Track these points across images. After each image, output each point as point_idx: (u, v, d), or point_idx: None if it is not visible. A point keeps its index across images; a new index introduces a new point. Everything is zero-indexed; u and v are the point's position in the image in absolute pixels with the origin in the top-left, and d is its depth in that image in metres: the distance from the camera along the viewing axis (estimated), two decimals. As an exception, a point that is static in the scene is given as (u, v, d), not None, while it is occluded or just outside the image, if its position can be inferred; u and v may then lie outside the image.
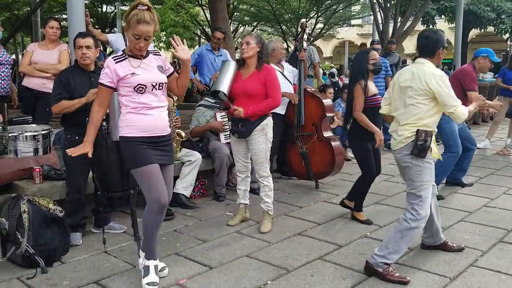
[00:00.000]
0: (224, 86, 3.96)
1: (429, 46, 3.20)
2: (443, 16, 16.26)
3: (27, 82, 4.93)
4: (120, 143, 2.99)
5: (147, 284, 2.94)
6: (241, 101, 4.01)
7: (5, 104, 3.35)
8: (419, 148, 3.09)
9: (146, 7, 2.80)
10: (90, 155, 2.98)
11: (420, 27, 17.75)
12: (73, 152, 2.94)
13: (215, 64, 6.18)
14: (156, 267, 3.04)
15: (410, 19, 13.15)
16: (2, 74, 4.71)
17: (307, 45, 8.09)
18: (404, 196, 5.11)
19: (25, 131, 3.20)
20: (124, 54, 2.94)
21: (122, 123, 2.96)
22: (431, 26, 16.34)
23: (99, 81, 2.92)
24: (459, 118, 3.15)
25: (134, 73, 2.86)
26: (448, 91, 3.07)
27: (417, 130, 3.10)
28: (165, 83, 3.01)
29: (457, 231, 4.10)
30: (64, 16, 18.09)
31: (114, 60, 2.89)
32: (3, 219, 3.22)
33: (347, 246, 3.73)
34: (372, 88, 4.18)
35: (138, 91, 2.88)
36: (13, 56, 4.71)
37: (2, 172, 3.76)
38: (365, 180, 4.32)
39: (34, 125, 3.49)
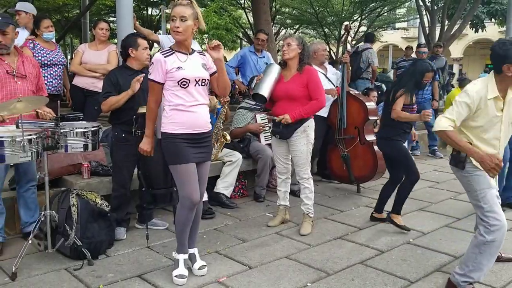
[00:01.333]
0: (265, 90, 3.99)
1: (494, 60, 2.86)
2: (493, 20, 15.66)
3: (77, 81, 5.12)
4: (162, 139, 3.05)
5: (175, 276, 3.06)
6: (283, 104, 4.01)
7: (58, 101, 3.47)
8: (455, 159, 2.95)
9: (189, 0, 2.94)
10: (150, 150, 3.13)
11: (468, 30, 17.23)
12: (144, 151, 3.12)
13: (258, 66, 6.21)
14: (185, 261, 3.14)
15: (458, 22, 12.77)
16: (54, 73, 4.89)
17: (363, 48, 8.03)
18: (448, 203, 5.02)
19: (76, 128, 3.31)
20: (172, 50, 3.02)
21: (165, 120, 3.01)
22: (480, 30, 15.80)
23: (151, 77, 2.98)
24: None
25: (180, 67, 2.95)
26: (454, 105, 2.83)
27: None
28: (208, 80, 3.08)
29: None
30: (112, 18, 18.67)
31: (163, 54, 2.98)
32: (54, 211, 3.35)
33: (389, 252, 3.66)
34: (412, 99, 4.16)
35: (181, 85, 2.95)
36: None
37: (53, 167, 3.92)
38: (409, 181, 4.17)
39: (84, 122, 3.61)
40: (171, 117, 3.00)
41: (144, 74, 3.71)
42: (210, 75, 3.12)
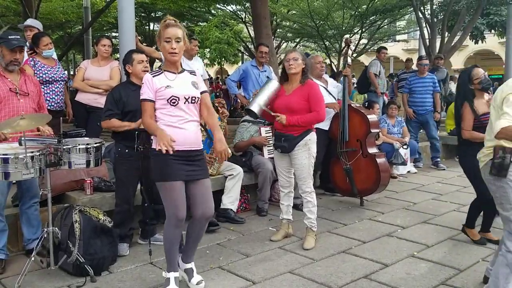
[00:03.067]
0: (255, 106, 4.03)
1: None
2: (492, 31, 15.73)
3: (80, 97, 5.15)
4: (151, 155, 3.05)
5: None
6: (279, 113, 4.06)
7: (61, 118, 3.50)
8: (496, 167, 2.81)
9: (174, 21, 3.01)
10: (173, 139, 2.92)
11: (468, 42, 17.28)
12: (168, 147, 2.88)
13: (260, 80, 6.21)
14: (176, 279, 3.11)
15: (458, 34, 12.83)
16: (56, 90, 4.92)
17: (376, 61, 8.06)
18: (452, 216, 4.98)
19: (79, 144, 3.32)
20: (160, 70, 3.08)
21: (155, 136, 3.00)
22: (480, 41, 15.86)
23: (142, 97, 3.02)
24: None
25: (168, 86, 2.98)
26: (506, 105, 2.68)
27: (494, 147, 2.83)
28: (198, 97, 3.08)
29: None
30: (114, 34, 18.84)
31: (151, 74, 3.04)
32: (56, 228, 3.35)
33: (393, 266, 3.64)
34: (482, 106, 3.87)
35: (171, 103, 2.96)
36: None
37: (56, 183, 3.92)
38: (482, 201, 4.03)
39: (87, 138, 3.63)
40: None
41: None
42: (200, 93, 3.12)
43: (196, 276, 3.20)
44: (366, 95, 14.66)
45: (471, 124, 3.84)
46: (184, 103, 3.00)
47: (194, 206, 3.08)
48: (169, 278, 3.10)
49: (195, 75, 3.19)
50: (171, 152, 2.85)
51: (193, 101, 3.05)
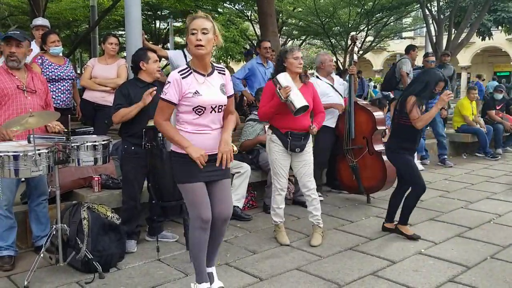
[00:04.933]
0: (303, 100, 3.87)
1: None
2: (499, 27, 15.64)
3: (88, 95, 5.18)
4: (170, 156, 2.91)
5: None
6: (291, 115, 3.98)
7: (69, 116, 3.52)
8: None
9: (205, 15, 2.78)
10: (204, 156, 2.76)
11: (475, 38, 17.19)
12: (202, 160, 2.75)
13: (266, 77, 6.21)
14: None
15: (465, 30, 12.77)
16: (63, 88, 4.95)
17: (399, 59, 8.02)
18: (460, 213, 4.96)
19: (87, 141, 3.35)
20: (189, 69, 2.80)
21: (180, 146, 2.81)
22: (487, 38, 15.77)
23: (164, 97, 2.76)
24: None
25: (197, 92, 2.74)
26: None
27: None
28: (225, 105, 2.88)
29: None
30: (120, 32, 18.90)
31: (180, 74, 2.76)
32: (65, 225, 3.37)
33: (400, 263, 3.64)
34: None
35: (196, 111, 2.77)
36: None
37: (64, 180, 3.95)
38: (415, 194, 4.16)
39: (95, 135, 3.65)
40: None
41: (156, 87, 3.76)
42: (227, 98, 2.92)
43: (217, 282, 3.06)
44: (373, 92, 14.62)
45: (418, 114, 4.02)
46: (211, 112, 2.80)
47: (212, 207, 2.90)
48: None
49: (224, 73, 2.92)
50: (201, 167, 2.74)
51: (219, 110, 2.85)
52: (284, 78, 3.87)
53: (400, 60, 7.99)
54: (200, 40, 2.69)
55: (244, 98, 7.03)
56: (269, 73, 6.14)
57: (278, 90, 3.81)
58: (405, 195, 4.26)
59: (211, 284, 3.01)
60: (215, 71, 2.88)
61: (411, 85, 4.28)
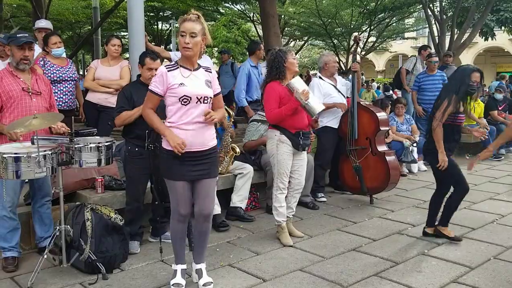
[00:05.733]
0: (319, 105, 4.03)
1: None
2: (502, 28, 15.61)
3: (91, 97, 5.19)
4: (160, 152, 3.10)
5: (172, 285, 3.13)
6: (301, 114, 4.05)
7: (72, 117, 3.53)
8: None
9: (196, 15, 2.97)
10: (180, 145, 2.90)
11: (478, 39, 17.15)
12: (180, 148, 2.90)
13: (259, 79, 6.13)
14: (183, 270, 3.19)
15: (468, 31, 12.74)
16: (65, 89, 4.96)
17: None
18: (463, 213, 4.94)
19: (90, 143, 3.35)
20: (176, 64, 3.01)
21: (162, 134, 3.02)
22: (490, 38, 15.74)
23: (150, 88, 3.00)
24: None
25: (182, 83, 2.93)
26: None
27: None
28: (211, 97, 3.03)
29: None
30: (123, 33, 18.94)
31: (166, 68, 2.98)
32: (68, 226, 3.38)
33: (403, 263, 3.63)
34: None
35: (182, 102, 2.93)
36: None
37: (67, 181, 3.95)
38: (460, 195, 4.08)
39: (98, 137, 3.66)
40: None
41: None
42: (214, 96, 3.09)
43: (205, 277, 3.18)
44: (375, 93, 14.63)
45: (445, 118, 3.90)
46: (196, 102, 2.95)
47: (194, 204, 3.14)
48: (176, 270, 3.18)
49: (211, 72, 3.13)
50: (180, 153, 2.90)
51: (205, 101, 3.00)
52: (299, 83, 3.94)
53: (409, 59, 8.08)
54: (188, 43, 2.92)
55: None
56: (257, 74, 6.12)
57: (299, 94, 3.85)
58: (447, 198, 4.17)
59: (199, 279, 3.18)
60: (201, 68, 3.09)
61: (448, 86, 4.12)
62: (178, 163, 2.97)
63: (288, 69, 4.01)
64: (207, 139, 3.05)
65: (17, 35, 3.53)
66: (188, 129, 2.96)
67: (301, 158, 4.14)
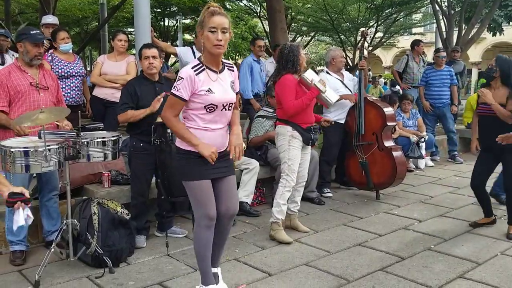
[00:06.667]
0: (334, 96, 4.30)
1: None
2: (511, 23, 15.46)
3: (97, 92, 5.21)
4: (176, 153, 2.83)
5: None
6: (310, 108, 4.11)
7: (79, 112, 3.55)
8: None
9: (218, 8, 2.66)
10: (215, 153, 2.72)
11: (486, 34, 17.01)
12: (214, 157, 2.71)
13: (261, 74, 6.32)
14: None
15: (476, 26, 12.63)
16: (72, 85, 4.98)
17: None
18: (470, 209, 4.92)
19: (96, 137, 3.37)
20: (202, 65, 2.71)
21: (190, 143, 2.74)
22: (498, 34, 15.59)
23: (174, 92, 2.67)
24: None
25: (210, 90, 2.67)
26: None
27: None
28: (234, 102, 2.84)
29: None
30: (129, 29, 18.96)
31: (194, 70, 2.67)
32: (75, 220, 3.40)
33: (410, 259, 3.62)
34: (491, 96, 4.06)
35: (208, 109, 2.70)
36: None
37: (74, 176, 3.98)
38: None
39: (105, 131, 3.67)
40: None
41: (162, 85, 3.79)
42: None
43: (221, 284, 2.97)
44: (382, 89, 14.56)
45: None
46: (221, 110, 2.75)
47: (218, 203, 2.85)
48: None
49: (233, 70, 2.88)
50: (213, 163, 2.70)
51: (229, 108, 2.81)
52: (314, 74, 4.03)
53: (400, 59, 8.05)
54: (221, 40, 2.61)
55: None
56: (259, 69, 6.19)
57: (318, 83, 3.93)
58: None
59: (216, 284, 2.93)
60: (225, 68, 2.83)
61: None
62: (198, 162, 2.73)
63: (301, 63, 4.05)
64: (226, 140, 2.87)
65: (31, 32, 3.56)
66: (211, 130, 2.75)
67: (306, 152, 4.16)
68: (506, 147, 3.88)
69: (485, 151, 4.19)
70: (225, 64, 2.84)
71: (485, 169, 4.22)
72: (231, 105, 2.81)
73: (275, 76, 4.16)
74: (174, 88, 2.69)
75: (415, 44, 8.03)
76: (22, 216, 2.25)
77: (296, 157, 4.03)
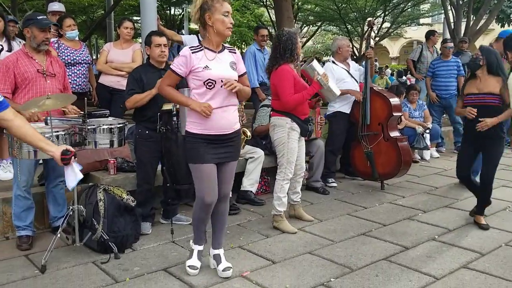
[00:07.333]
0: (337, 89, 4.25)
1: None
2: (520, 14, 15.33)
3: (103, 79, 5.22)
4: (185, 136, 3.01)
5: (188, 266, 3.14)
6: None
7: (85, 99, 3.56)
8: None
9: None
10: (207, 107, 2.85)
11: (494, 25, 16.82)
12: (208, 111, 2.84)
13: (265, 63, 6.20)
14: (199, 252, 3.18)
15: (484, 17, 12.50)
16: (78, 72, 4.98)
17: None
18: (474, 200, 4.90)
19: (103, 124, 3.39)
20: (201, 46, 2.92)
21: (188, 118, 2.97)
22: (506, 25, 15.44)
23: (171, 67, 2.92)
24: None
25: (207, 66, 2.85)
26: None
27: None
28: (236, 80, 2.95)
29: None
30: (135, 18, 18.91)
31: (191, 49, 2.89)
32: (81, 206, 3.43)
33: (413, 248, 3.63)
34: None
35: (207, 86, 2.87)
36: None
37: (80, 162, 3.96)
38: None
39: (111, 118, 3.69)
40: (192, 116, 2.95)
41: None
42: (239, 76, 3.01)
43: (224, 263, 3.13)
44: (389, 79, 14.47)
45: None
46: (221, 86, 2.88)
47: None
48: (193, 250, 3.19)
49: (235, 53, 3.05)
50: (208, 116, 2.84)
51: None
52: (318, 66, 3.96)
53: (414, 49, 8.07)
54: (232, 23, 2.89)
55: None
56: (265, 59, 6.12)
57: (321, 78, 3.85)
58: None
59: (218, 265, 3.13)
60: (226, 50, 3.01)
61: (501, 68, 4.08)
62: (204, 146, 2.91)
63: (296, 53, 3.97)
64: (232, 122, 2.99)
65: (38, 17, 3.57)
66: (214, 112, 2.88)
67: (301, 144, 4.14)
68: (487, 135, 3.95)
69: (467, 141, 4.18)
70: (226, 47, 3.03)
71: (468, 159, 4.21)
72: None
73: (272, 65, 3.99)
74: (171, 64, 2.97)
75: (431, 34, 8.14)
76: (77, 170, 2.37)
77: (295, 149, 4.00)
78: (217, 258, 3.16)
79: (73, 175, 2.41)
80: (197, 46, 2.93)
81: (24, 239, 3.58)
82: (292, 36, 3.93)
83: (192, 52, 2.88)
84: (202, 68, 2.86)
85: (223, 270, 3.08)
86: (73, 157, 2.34)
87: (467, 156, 4.21)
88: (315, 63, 3.98)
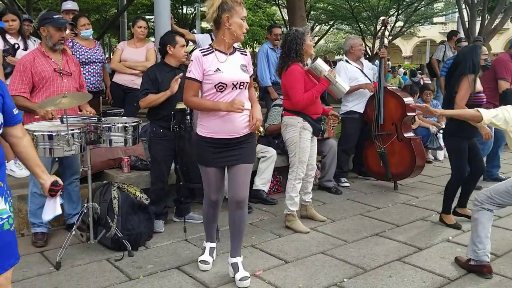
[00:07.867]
0: (347, 85, 4.26)
1: None
2: (536, 13, 15.08)
3: (117, 78, 5.26)
4: (194, 138, 3.12)
5: (199, 261, 3.23)
6: (318, 98, 4.05)
7: (100, 97, 3.59)
8: None
9: None
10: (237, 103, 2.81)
11: (509, 24, 16.62)
12: (241, 107, 2.81)
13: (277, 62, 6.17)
14: (211, 249, 3.29)
15: (499, 16, 12.35)
16: (93, 71, 5.01)
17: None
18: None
19: (117, 123, 3.41)
20: (211, 48, 2.89)
21: (198, 121, 3.00)
22: (522, 24, 15.25)
23: (188, 75, 2.87)
24: None
25: (218, 69, 2.82)
26: None
27: None
28: (247, 82, 2.93)
29: None
30: (148, 17, 19.01)
31: (201, 52, 2.87)
32: (96, 204, 3.46)
33: (427, 249, 3.61)
34: (478, 85, 3.94)
35: (218, 89, 2.84)
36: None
37: (95, 160, 4.04)
38: (454, 180, 4.12)
39: (125, 117, 3.72)
40: (201, 119, 2.96)
41: (182, 72, 3.79)
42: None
43: (241, 271, 3.01)
44: (401, 79, 14.38)
45: (465, 101, 3.83)
46: (232, 89, 2.86)
47: (229, 189, 3.05)
48: (205, 247, 3.29)
49: (246, 54, 3.02)
50: (242, 111, 2.81)
51: (241, 87, 2.89)
52: (323, 63, 3.94)
53: (438, 47, 8.07)
54: (247, 28, 2.90)
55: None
56: (275, 57, 6.08)
57: (328, 74, 3.86)
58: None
59: (235, 273, 3.01)
60: (237, 52, 2.99)
61: (461, 68, 3.95)
62: (209, 150, 2.93)
63: (305, 52, 3.95)
64: (239, 126, 2.92)
65: (54, 16, 3.61)
66: (221, 115, 2.86)
67: (313, 143, 4.13)
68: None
69: (466, 139, 4.08)
70: (237, 49, 3.01)
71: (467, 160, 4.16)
72: (242, 84, 2.91)
73: (282, 66, 4.01)
74: (187, 71, 2.91)
75: (453, 34, 8.28)
76: (58, 205, 2.34)
77: (307, 149, 3.99)
78: (234, 266, 3.05)
79: (52, 208, 2.32)
80: (207, 48, 2.90)
81: (40, 236, 3.62)
82: (297, 36, 3.92)
83: (203, 55, 2.85)
84: (213, 71, 2.82)
85: (240, 280, 2.98)
86: (60, 190, 2.29)
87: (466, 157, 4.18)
88: (319, 61, 3.96)
